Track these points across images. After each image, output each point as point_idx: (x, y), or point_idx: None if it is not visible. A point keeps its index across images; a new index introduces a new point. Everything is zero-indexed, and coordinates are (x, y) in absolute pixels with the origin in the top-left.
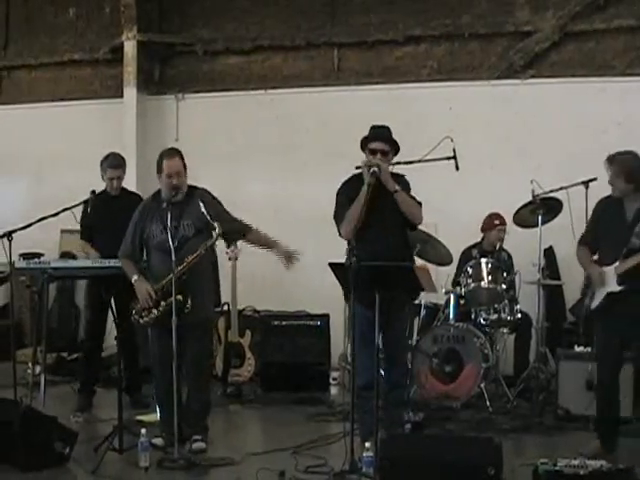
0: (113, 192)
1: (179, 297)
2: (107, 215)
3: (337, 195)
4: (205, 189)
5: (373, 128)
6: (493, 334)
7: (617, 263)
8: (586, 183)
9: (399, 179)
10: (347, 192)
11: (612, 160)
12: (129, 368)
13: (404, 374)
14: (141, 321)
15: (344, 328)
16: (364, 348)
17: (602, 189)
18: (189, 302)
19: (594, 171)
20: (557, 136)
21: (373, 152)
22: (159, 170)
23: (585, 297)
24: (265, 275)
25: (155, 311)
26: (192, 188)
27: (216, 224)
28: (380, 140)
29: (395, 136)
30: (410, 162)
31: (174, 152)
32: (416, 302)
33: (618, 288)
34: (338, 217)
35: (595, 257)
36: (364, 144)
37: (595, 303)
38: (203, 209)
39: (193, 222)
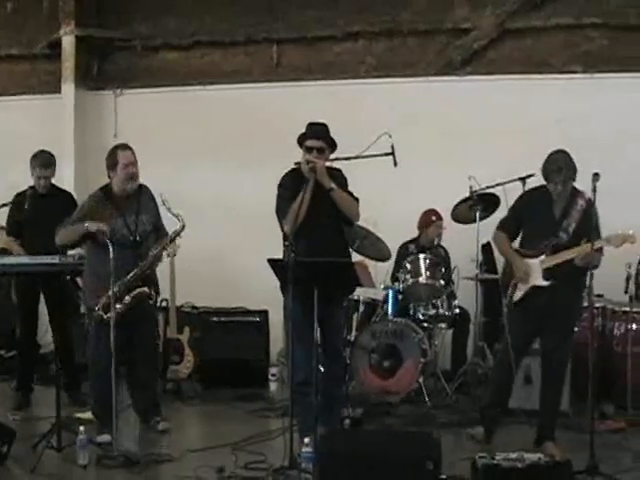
0: (41, 190)
1: (145, 289)
2: (35, 212)
3: (279, 188)
4: (146, 185)
5: (310, 125)
6: (431, 329)
7: (543, 257)
8: (523, 179)
9: (335, 174)
10: (289, 186)
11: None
12: (67, 365)
13: (342, 369)
14: (105, 317)
15: (283, 324)
16: (301, 344)
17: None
18: (152, 294)
19: (531, 168)
20: (495, 133)
21: (309, 149)
22: (114, 163)
23: (506, 288)
24: (203, 271)
25: (120, 305)
26: (139, 185)
27: (180, 217)
28: (316, 138)
29: (334, 132)
30: (348, 158)
31: (127, 146)
32: (355, 298)
33: (545, 283)
34: (281, 212)
35: (514, 246)
36: (301, 141)
37: (518, 295)
38: (162, 203)
39: (150, 217)
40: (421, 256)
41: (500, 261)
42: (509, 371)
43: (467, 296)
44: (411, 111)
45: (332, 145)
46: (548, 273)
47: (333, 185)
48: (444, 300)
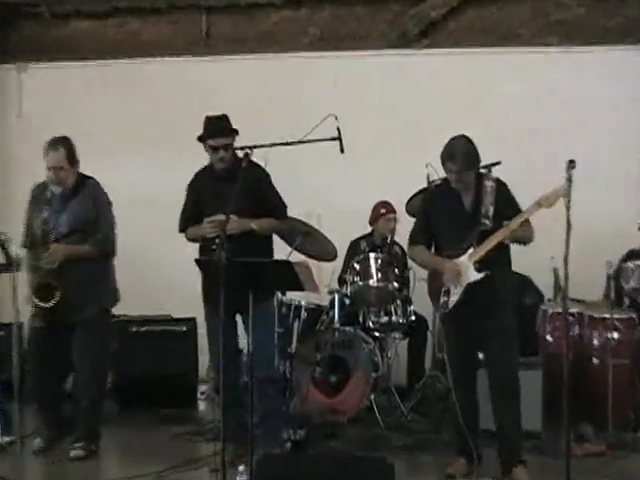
0: None
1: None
2: None
3: (187, 188)
4: (96, 181)
5: (208, 120)
6: (384, 339)
7: (470, 250)
8: (488, 167)
9: (255, 171)
10: (193, 191)
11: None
12: None
13: (276, 382)
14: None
15: None
16: (228, 355)
17: (507, 174)
18: (57, 296)
19: (499, 154)
20: (456, 114)
21: (215, 149)
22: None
23: (437, 298)
24: (123, 274)
25: (32, 308)
26: (83, 178)
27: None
28: (218, 135)
29: (272, 112)
30: (288, 143)
31: (58, 143)
32: (295, 304)
33: (479, 276)
34: (180, 221)
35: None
36: (203, 139)
37: (454, 299)
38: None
39: (76, 217)
40: (372, 255)
41: None
42: (466, 390)
43: (424, 301)
44: (360, 90)
45: (235, 133)
46: (480, 265)
47: (254, 225)
48: (398, 305)
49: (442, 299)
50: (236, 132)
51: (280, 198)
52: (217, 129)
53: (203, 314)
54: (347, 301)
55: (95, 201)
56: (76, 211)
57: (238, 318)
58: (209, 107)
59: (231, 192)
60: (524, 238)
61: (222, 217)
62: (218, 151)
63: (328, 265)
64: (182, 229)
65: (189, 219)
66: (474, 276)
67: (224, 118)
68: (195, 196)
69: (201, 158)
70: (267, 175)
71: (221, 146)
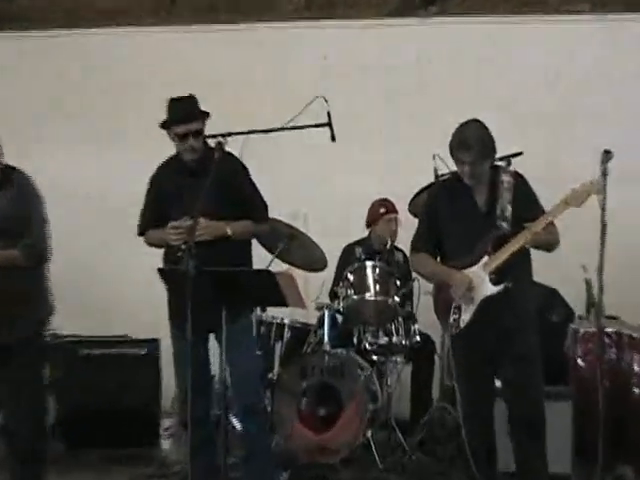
0: None
1: None
2: None
3: (149, 182)
4: (23, 172)
5: (173, 103)
6: (383, 364)
7: (485, 258)
8: (508, 159)
9: (231, 163)
10: (156, 187)
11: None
12: None
13: (259, 415)
14: None
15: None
16: (198, 383)
17: (528, 166)
18: None
19: (520, 143)
20: (469, 95)
21: (182, 137)
22: None
23: (445, 317)
24: (71, 287)
25: None
26: (8, 169)
27: None
28: (187, 121)
29: (249, 94)
30: (268, 131)
31: None
32: (278, 321)
33: (496, 289)
34: (141, 219)
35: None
36: (167, 126)
37: (466, 317)
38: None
39: (2, 215)
40: (369, 264)
41: None
42: (479, 427)
43: (431, 318)
44: (355, 66)
45: (206, 116)
46: (497, 276)
47: (228, 230)
48: (400, 324)
49: (452, 317)
50: (207, 115)
51: (260, 196)
52: (184, 113)
53: (169, 334)
54: (339, 318)
55: (23, 196)
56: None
57: (213, 340)
58: (173, 86)
59: (201, 189)
60: (548, 243)
61: (190, 222)
62: (186, 139)
63: (316, 275)
64: (141, 232)
65: (150, 220)
66: (489, 289)
67: (191, 100)
68: (158, 193)
69: (166, 147)
70: (244, 168)
71: (190, 133)
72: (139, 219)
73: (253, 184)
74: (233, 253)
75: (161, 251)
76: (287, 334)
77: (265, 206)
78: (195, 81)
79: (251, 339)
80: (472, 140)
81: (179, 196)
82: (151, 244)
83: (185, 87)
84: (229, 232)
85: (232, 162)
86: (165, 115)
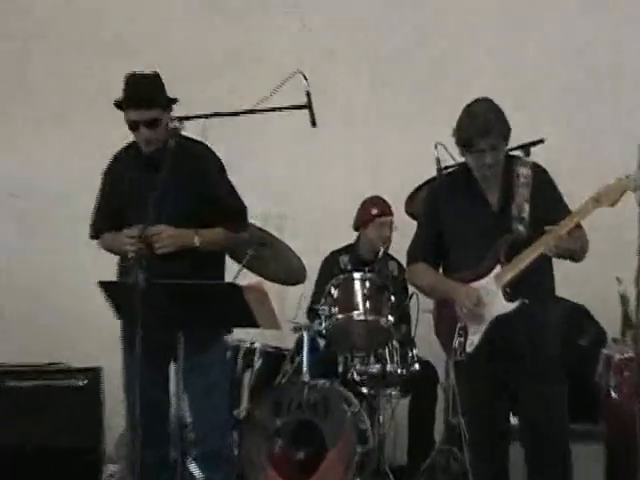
0: None
1: None
2: None
3: (103, 176)
4: None
5: (131, 81)
6: (375, 398)
7: (497, 269)
8: (526, 148)
9: (200, 154)
10: (110, 182)
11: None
12: None
13: (227, 462)
14: None
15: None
16: (152, 421)
17: (550, 156)
18: None
19: (540, 129)
20: (479, 71)
21: (134, 125)
22: None
23: (449, 340)
24: None
25: None
26: None
27: None
28: (141, 106)
29: (209, 67)
30: (234, 114)
31: None
32: (247, 346)
33: (511, 306)
34: (94, 219)
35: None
36: (121, 106)
37: (474, 340)
38: None
39: None
40: (357, 276)
41: None
42: (492, 474)
43: (432, 342)
44: (340, 33)
45: (169, 102)
46: (511, 291)
47: (196, 241)
48: (395, 349)
49: (457, 340)
50: (171, 102)
51: (238, 198)
52: (139, 95)
53: (113, 361)
54: (321, 342)
55: None
56: None
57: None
58: (119, 53)
59: (164, 187)
60: (575, 251)
61: (154, 228)
62: (137, 128)
63: (293, 290)
64: (94, 234)
65: (105, 221)
66: (503, 307)
67: (152, 80)
68: (113, 189)
69: (120, 133)
70: (218, 161)
71: (146, 121)
72: (92, 219)
73: (229, 182)
74: (200, 267)
75: (102, 261)
76: (257, 361)
77: (243, 210)
78: (147, 49)
79: (222, 371)
80: (491, 121)
81: (137, 194)
82: (108, 250)
83: (123, 57)
84: (197, 243)
85: (202, 153)
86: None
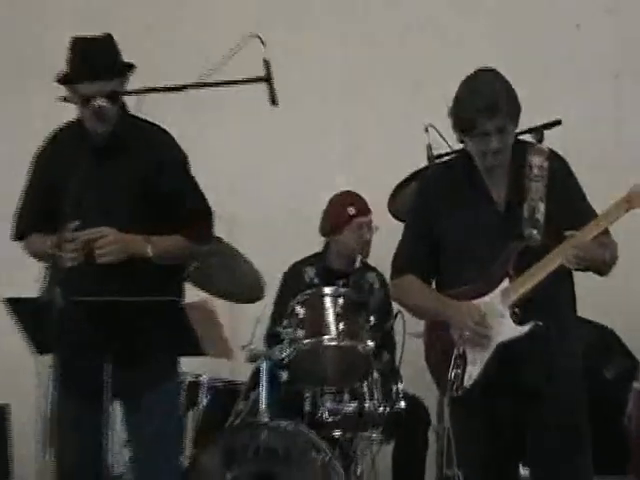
0: None
1: None
2: None
3: (32, 162)
4: None
5: (78, 51)
6: (350, 443)
7: (505, 283)
8: (539, 131)
9: (161, 148)
10: (43, 170)
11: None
12: None
13: None
14: None
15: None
16: (84, 470)
17: (572, 145)
18: None
19: (556, 107)
20: (481, 32)
21: (85, 101)
22: None
23: (442, 372)
24: None
25: None
26: None
27: None
28: (93, 79)
29: (154, 33)
30: (176, 88)
31: None
32: (190, 379)
33: (522, 330)
34: (19, 216)
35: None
36: (67, 79)
37: (475, 372)
38: None
39: None
40: (327, 290)
41: None
42: None
43: (422, 373)
44: None
45: (123, 71)
46: (522, 311)
47: (149, 250)
48: (376, 382)
49: (453, 371)
50: (129, 69)
51: (203, 198)
52: (91, 63)
53: (22, 396)
54: (283, 374)
55: None
56: None
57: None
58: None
59: (111, 180)
60: (601, 262)
61: (97, 231)
62: (87, 104)
63: (248, 309)
64: (19, 235)
65: (34, 218)
66: (511, 331)
67: (107, 43)
68: (47, 178)
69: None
70: (181, 152)
71: (96, 95)
72: (16, 217)
73: (193, 180)
74: (148, 286)
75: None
76: (204, 398)
77: (209, 216)
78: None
79: (173, 414)
80: (498, 96)
81: (78, 187)
82: (34, 255)
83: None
84: (149, 252)
85: (162, 141)
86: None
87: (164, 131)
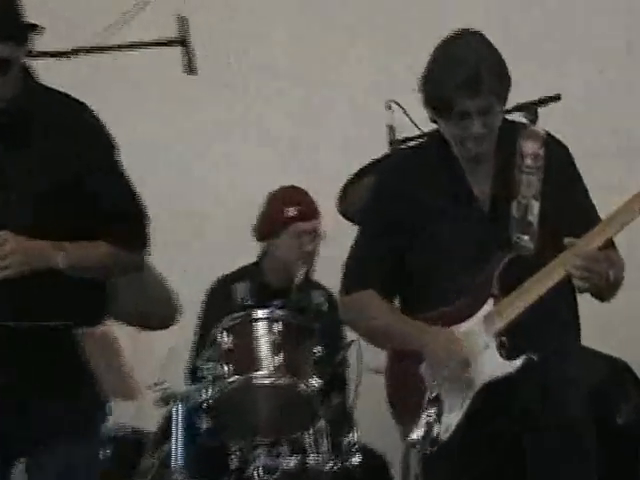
0: None
1: None
2: None
3: None
4: None
5: None
6: None
7: (488, 304)
8: (534, 108)
9: (81, 133)
10: None
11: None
12: None
13: None
14: None
15: None
16: None
17: (576, 125)
18: None
19: (552, 82)
20: None
21: None
22: None
23: (409, 416)
24: None
25: None
26: None
27: None
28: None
29: None
30: (71, 52)
31: None
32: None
33: (514, 366)
34: None
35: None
36: None
37: (452, 421)
38: None
39: None
40: (261, 313)
41: None
42: None
43: (384, 420)
44: None
45: (27, 33)
46: (511, 341)
47: (60, 261)
48: (323, 431)
49: (423, 418)
50: (30, 30)
51: (134, 194)
52: None
53: None
54: (203, 422)
55: None
56: None
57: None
58: None
59: (13, 169)
60: (604, 282)
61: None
62: None
63: (159, 337)
64: None
65: None
66: (499, 367)
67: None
68: None
69: None
70: (106, 135)
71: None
72: None
73: (120, 172)
74: (62, 300)
75: None
76: (106, 452)
77: (141, 215)
78: None
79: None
80: (482, 68)
81: None
82: None
83: None
84: (60, 263)
85: (82, 120)
86: None
87: (84, 106)
